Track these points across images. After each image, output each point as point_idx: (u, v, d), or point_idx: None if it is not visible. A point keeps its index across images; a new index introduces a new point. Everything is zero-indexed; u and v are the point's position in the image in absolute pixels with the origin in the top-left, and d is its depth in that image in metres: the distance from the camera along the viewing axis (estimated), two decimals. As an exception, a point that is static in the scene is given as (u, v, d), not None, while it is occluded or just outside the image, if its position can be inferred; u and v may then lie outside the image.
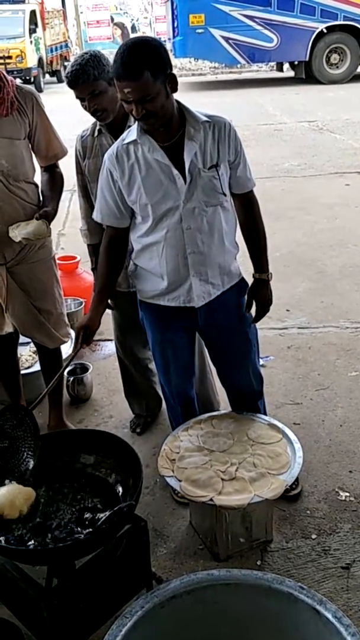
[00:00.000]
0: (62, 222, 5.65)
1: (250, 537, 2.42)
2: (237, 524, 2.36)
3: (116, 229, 2.27)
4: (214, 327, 2.40)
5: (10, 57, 15.65)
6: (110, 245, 2.30)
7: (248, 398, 2.61)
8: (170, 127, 2.06)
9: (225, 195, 2.21)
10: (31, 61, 16.07)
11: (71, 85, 2.40)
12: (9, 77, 2.51)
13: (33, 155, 2.63)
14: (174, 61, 17.80)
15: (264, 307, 2.45)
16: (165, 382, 2.56)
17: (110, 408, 3.34)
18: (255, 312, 2.46)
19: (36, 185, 2.67)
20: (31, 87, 2.60)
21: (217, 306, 2.33)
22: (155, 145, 2.08)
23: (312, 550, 2.42)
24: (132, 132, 2.12)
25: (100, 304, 2.31)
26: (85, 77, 2.35)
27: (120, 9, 19.83)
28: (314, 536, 2.48)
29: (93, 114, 2.46)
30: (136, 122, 2.09)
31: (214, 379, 2.98)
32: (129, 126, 2.33)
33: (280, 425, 2.48)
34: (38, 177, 2.73)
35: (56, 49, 18.73)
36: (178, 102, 2.09)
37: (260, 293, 2.43)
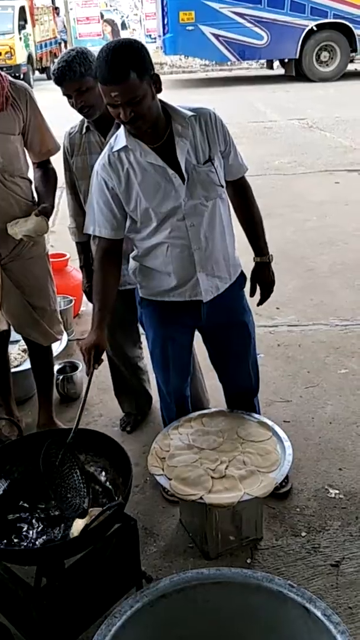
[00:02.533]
0: (51, 220, 5.60)
1: (240, 535, 2.42)
2: (227, 522, 2.36)
3: (111, 241, 2.20)
4: (216, 323, 2.39)
5: (-1, 54, 15.56)
6: (105, 259, 2.23)
7: (246, 395, 2.62)
8: (158, 128, 2.04)
9: (222, 186, 2.21)
10: (20, 58, 15.96)
11: (58, 82, 2.39)
12: (2, 73, 2.49)
13: (26, 151, 2.62)
14: (164, 58, 17.79)
15: (268, 288, 2.48)
16: (163, 380, 2.55)
17: (100, 406, 3.33)
18: (260, 295, 2.49)
19: (30, 181, 2.66)
20: (25, 83, 2.59)
21: (221, 301, 2.33)
22: (146, 148, 2.06)
23: (302, 548, 2.42)
24: (120, 139, 2.09)
25: (103, 321, 2.20)
26: (72, 73, 2.34)
27: (110, 6, 19.78)
28: (303, 534, 2.48)
29: (80, 110, 2.44)
30: (122, 127, 2.06)
31: (203, 377, 2.98)
32: (117, 124, 2.31)
33: (270, 423, 2.48)
34: (31, 173, 2.72)
35: (46, 46, 18.62)
36: (161, 101, 2.07)
37: (263, 276, 2.46)
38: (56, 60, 2.45)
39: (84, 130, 2.55)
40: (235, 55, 14.83)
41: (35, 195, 2.67)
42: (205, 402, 2.98)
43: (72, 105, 2.44)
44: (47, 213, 2.52)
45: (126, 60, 1.88)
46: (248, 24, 14.40)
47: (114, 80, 1.88)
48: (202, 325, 2.42)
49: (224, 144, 2.18)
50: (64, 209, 2.91)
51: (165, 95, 2.11)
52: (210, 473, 2.24)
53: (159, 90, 2.00)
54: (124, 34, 19.89)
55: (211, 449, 2.35)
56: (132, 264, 2.35)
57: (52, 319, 2.84)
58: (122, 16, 20.00)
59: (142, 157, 2.07)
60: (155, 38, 18.49)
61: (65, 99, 2.48)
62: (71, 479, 1.95)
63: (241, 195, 2.36)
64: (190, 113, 2.09)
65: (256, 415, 2.54)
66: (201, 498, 2.16)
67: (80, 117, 2.55)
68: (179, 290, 2.26)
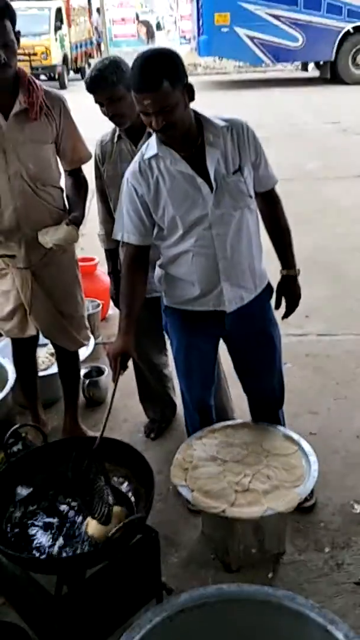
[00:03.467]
0: (97, 216, 5.66)
1: (262, 549, 2.39)
2: (249, 536, 2.34)
3: (138, 247, 2.21)
4: (240, 333, 2.37)
5: (35, 54, 15.71)
6: (132, 265, 2.24)
7: (270, 406, 2.59)
8: (189, 137, 2.04)
9: (251, 197, 2.20)
10: (56, 58, 16.13)
11: (90, 89, 2.40)
12: (38, 82, 2.50)
13: (58, 159, 2.63)
14: (199, 59, 17.77)
15: (294, 302, 2.46)
16: (186, 388, 2.55)
17: (124, 412, 3.33)
18: (285, 308, 2.46)
19: (62, 190, 2.67)
20: (58, 92, 2.59)
21: (246, 311, 2.31)
22: (177, 156, 2.06)
23: (325, 564, 2.39)
24: (151, 146, 2.10)
25: (130, 328, 2.21)
26: (104, 82, 2.34)
27: (146, 7, 19.86)
28: (327, 549, 2.45)
29: (111, 119, 2.45)
30: (154, 135, 2.07)
31: (229, 387, 2.96)
32: (148, 132, 2.31)
33: (295, 436, 2.45)
34: (62, 181, 2.73)
35: (81, 46, 18.78)
36: (194, 110, 2.07)
37: (289, 289, 2.43)
38: (90, 68, 2.46)
39: (116, 139, 2.55)
40: (270, 57, 14.77)
41: (66, 203, 2.68)
42: (230, 412, 2.96)
43: (104, 113, 2.45)
44: (77, 222, 2.53)
45: (160, 69, 1.88)
46: (283, 26, 14.32)
47: (147, 89, 1.89)
48: (227, 335, 2.41)
49: (254, 155, 2.16)
50: (94, 212, 2.92)
51: (199, 96, 2.11)
52: (234, 486, 2.23)
53: (192, 99, 1.99)
54: (159, 35, 19.97)
55: (235, 462, 2.34)
56: (157, 271, 2.34)
57: (79, 325, 2.85)
58: (158, 17, 20.05)
59: (172, 165, 2.07)
60: (189, 39, 18.51)
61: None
62: (96, 486, 1.94)
63: (270, 206, 2.34)
64: (222, 123, 2.08)
65: (282, 428, 2.52)
66: (224, 511, 2.15)
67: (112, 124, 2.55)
68: (202, 299, 2.25)
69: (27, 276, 2.62)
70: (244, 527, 2.27)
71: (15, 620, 2.06)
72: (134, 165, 2.14)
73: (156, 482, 2.72)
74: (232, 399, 3.01)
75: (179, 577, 2.37)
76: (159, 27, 20.04)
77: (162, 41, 19.89)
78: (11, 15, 2.30)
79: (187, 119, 2.00)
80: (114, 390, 2.12)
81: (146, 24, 19.81)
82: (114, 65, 2.37)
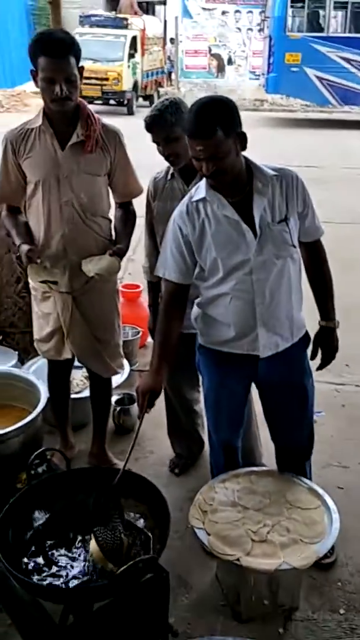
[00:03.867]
0: (133, 248, 5.73)
1: (275, 602, 2.34)
2: (262, 587, 2.29)
3: (178, 285, 2.25)
4: (273, 380, 2.36)
5: (107, 79, 16.15)
6: (170, 302, 2.27)
7: (296, 457, 2.55)
8: (238, 183, 2.07)
9: (295, 247, 2.20)
10: (126, 84, 16.54)
11: (148, 128, 2.45)
12: (97, 116, 2.59)
13: (110, 191, 2.70)
14: (266, 96, 17.96)
15: (331, 354, 2.43)
16: (213, 428, 2.54)
17: (152, 443, 3.32)
18: (320, 359, 2.44)
19: (110, 220, 2.73)
20: (116, 126, 2.66)
21: (280, 359, 2.30)
22: (224, 201, 2.09)
23: (339, 626, 2.32)
24: (200, 190, 2.14)
25: (162, 366, 2.22)
26: (163, 122, 2.40)
27: (220, 41, 20.17)
28: (342, 611, 2.38)
29: (166, 158, 2.50)
30: (204, 179, 2.10)
31: (259, 430, 2.93)
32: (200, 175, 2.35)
33: (320, 491, 2.40)
34: (112, 213, 2.79)
35: (152, 75, 19.20)
36: (245, 157, 2.10)
37: (326, 341, 2.41)
38: (150, 108, 2.52)
39: (169, 177, 2.60)
40: (338, 99, 14.84)
41: (113, 234, 2.74)
42: (258, 456, 2.92)
43: (160, 152, 2.50)
44: (121, 254, 2.58)
45: (215, 117, 1.92)
46: (354, 69, 14.38)
47: (201, 135, 1.93)
48: (259, 380, 2.39)
49: (302, 206, 2.18)
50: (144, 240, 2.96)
51: (263, 133, 2.16)
52: (251, 535, 2.19)
53: (244, 148, 2.03)
54: (229, 69, 20.26)
55: (256, 510, 2.30)
56: (195, 310, 2.36)
57: (114, 353, 2.89)
58: (230, 52, 20.37)
59: (218, 209, 2.10)
60: (259, 75, 18.73)
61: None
62: (111, 524, 1.94)
63: (314, 257, 2.34)
64: (272, 172, 2.11)
65: (307, 481, 2.47)
66: (238, 560, 2.11)
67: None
68: (237, 342, 2.25)
69: (68, 301, 2.68)
70: (258, 578, 2.23)
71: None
72: (181, 207, 2.18)
73: (175, 519, 2.70)
74: (261, 444, 2.97)
75: (187, 620, 2.34)
76: (230, 61, 20.33)
77: (231, 75, 20.19)
78: (76, 51, 2.39)
79: (238, 166, 2.03)
80: (139, 425, 2.14)
81: (218, 57, 20.16)
82: (173, 106, 2.42)
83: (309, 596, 2.43)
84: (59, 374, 3.03)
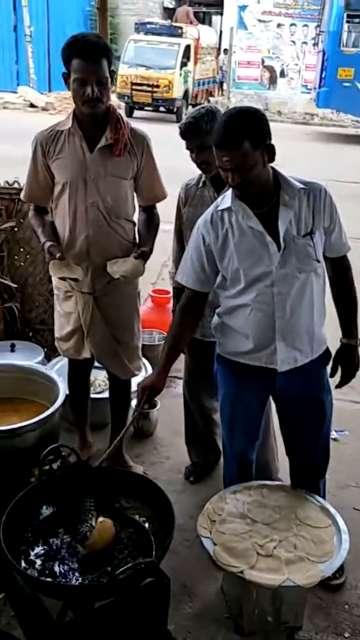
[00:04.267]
0: (167, 254, 5.76)
1: (278, 618, 2.31)
2: (266, 602, 2.26)
3: (196, 292, 2.27)
4: (290, 394, 2.34)
5: (158, 87, 16.29)
6: (186, 308, 2.30)
7: (310, 473, 2.52)
8: (265, 195, 2.06)
9: (319, 262, 2.18)
10: (177, 92, 16.63)
11: (182, 135, 2.47)
12: (125, 119, 2.63)
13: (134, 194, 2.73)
14: (316, 110, 17.84)
15: (351, 373, 2.40)
16: (227, 439, 2.52)
17: (169, 449, 3.32)
18: (340, 377, 2.41)
19: (134, 224, 2.76)
20: (144, 131, 2.70)
21: (299, 374, 2.27)
22: (249, 212, 2.09)
23: (342, 650, 2.27)
24: (226, 199, 2.14)
25: (167, 365, 2.28)
26: (197, 130, 2.41)
27: (273, 53, 20.12)
28: (346, 634, 2.34)
29: (199, 166, 2.51)
30: (230, 189, 2.10)
31: (277, 445, 2.90)
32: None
33: (332, 510, 2.36)
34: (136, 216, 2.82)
35: (203, 84, 19.27)
36: (274, 169, 2.09)
37: (347, 359, 2.38)
38: (186, 115, 2.54)
39: (200, 184, 2.62)
40: (389, 117, 14.64)
41: (136, 237, 2.77)
42: (274, 471, 2.90)
43: (193, 160, 2.51)
44: (145, 257, 2.60)
45: (243, 129, 1.92)
46: None
47: (227, 147, 1.93)
48: (276, 392, 2.37)
49: (329, 221, 2.15)
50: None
51: (312, 147, 2.14)
52: (258, 549, 2.17)
53: (272, 160, 2.02)
54: (281, 82, 20.20)
55: (264, 524, 2.28)
56: (215, 319, 2.36)
57: (133, 355, 2.91)
58: (283, 64, 20.30)
59: (243, 219, 2.10)
60: (310, 89, 18.64)
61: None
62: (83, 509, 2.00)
63: (339, 273, 2.32)
64: (300, 185, 2.09)
65: (320, 499, 2.43)
66: (242, 572, 2.10)
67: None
68: (255, 354, 2.24)
69: (89, 301, 2.71)
70: (261, 593, 2.20)
71: (20, 637, 2.08)
72: (206, 215, 2.19)
73: (185, 527, 2.73)
74: (278, 459, 2.94)
75: (188, 629, 2.33)
76: (282, 74, 20.27)
77: (283, 88, 20.12)
78: (108, 55, 2.44)
79: (264, 178, 2.02)
80: (132, 419, 2.28)
81: (270, 69, 20.13)
82: (209, 114, 2.43)
83: (313, 616, 2.40)
84: (78, 373, 3.06)
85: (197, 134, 2.43)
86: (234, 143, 1.92)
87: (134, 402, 3.29)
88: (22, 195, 2.83)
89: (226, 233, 2.14)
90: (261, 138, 1.95)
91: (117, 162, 2.58)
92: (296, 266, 2.11)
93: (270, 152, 2.00)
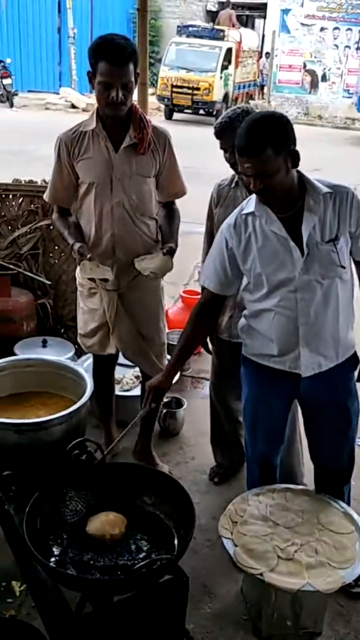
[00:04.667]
0: (200, 255, 5.78)
1: (297, 623, 2.30)
2: (286, 606, 2.25)
3: (214, 295, 2.28)
4: (315, 399, 2.32)
5: (198, 89, 16.30)
6: (202, 309, 2.31)
7: (335, 479, 2.50)
8: (289, 200, 2.04)
9: (344, 267, 2.15)
10: (217, 95, 16.62)
11: (217, 135, 2.48)
12: (147, 117, 2.65)
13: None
14: (357, 115, 17.65)
15: None
16: (249, 443, 2.52)
17: (195, 449, 3.33)
18: None
19: (156, 221, 2.78)
20: (165, 129, 2.72)
21: (324, 378, 2.26)
22: (273, 216, 2.08)
23: (361, 659, 2.25)
24: (250, 203, 2.14)
25: (176, 366, 2.33)
26: (232, 130, 2.41)
27: (315, 57, 19.97)
28: (366, 643, 2.31)
29: (232, 166, 2.51)
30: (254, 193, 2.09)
31: (303, 449, 2.88)
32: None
33: (356, 516, 2.34)
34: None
35: (244, 87, 19.22)
36: (300, 172, 2.07)
37: None
38: (221, 115, 2.55)
39: (233, 185, 2.62)
40: None
41: (158, 234, 2.79)
42: (299, 475, 2.88)
43: (227, 160, 2.51)
44: (172, 253, 2.62)
45: (265, 135, 1.90)
46: None
47: (249, 154, 1.92)
48: (301, 397, 2.36)
49: (355, 225, 2.13)
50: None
51: (352, 151, 2.09)
52: (278, 552, 2.16)
53: (296, 165, 1.99)
54: (322, 86, 20.03)
55: (286, 527, 2.27)
56: (241, 320, 2.36)
57: (160, 351, 2.93)
58: (325, 68, 20.12)
59: (266, 224, 2.09)
60: (352, 94, 18.45)
61: None
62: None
63: None
64: (325, 189, 2.06)
65: (343, 505, 2.41)
66: (261, 575, 2.09)
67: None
68: (279, 358, 2.23)
69: (114, 297, 2.75)
70: (281, 596, 2.19)
71: (40, 627, 2.11)
72: (230, 218, 2.19)
73: (208, 527, 2.74)
74: (303, 463, 2.92)
75: (206, 629, 2.33)
76: (324, 78, 20.10)
77: (324, 92, 19.94)
78: (135, 58, 2.46)
79: (287, 183, 2.00)
80: (139, 416, 2.32)
81: (312, 73, 19.97)
82: (245, 114, 2.43)
83: (334, 623, 2.38)
84: (102, 369, 3.10)
85: (232, 134, 2.41)
86: (255, 150, 1.90)
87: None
88: (45, 197, 2.85)
89: (249, 237, 2.13)
90: (284, 144, 1.93)
91: (141, 161, 2.61)
92: (319, 272, 2.09)
93: (295, 158, 1.97)
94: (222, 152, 2.61)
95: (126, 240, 2.67)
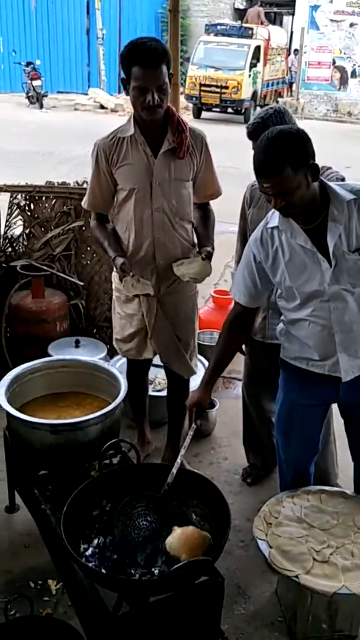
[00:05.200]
0: (230, 254, 5.77)
1: (333, 626, 2.28)
2: (321, 609, 2.24)
3: (245, 308, 2.29)
4: (355, 401, 2.30)
5: (226, 87, 16.26)
6: (234, 323, 2.31)
7: None
8: (313, 211, 2.01)
9: None
10: (245, 93, 16.56)
11: (250, 136, 2.46)
12: (183, 119, 2.63)
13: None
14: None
15: None
16: (282, 447, 2.50)
17: (227, 449, 3.33)
18: None
19: (192, 224, 2.77)
20: (202, 131, 2.70)
21: None
22: (298, 229, 2.05)
23: None
24: (274, 217, 2.12)
25: (212, 380, 2.32)
26: (265, 130, 2.38)
27: (344, 53, 19.75)
28: None
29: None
30: None
31: (337, 450, 2.86)
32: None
33: (392, 519, 2.31)
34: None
35: (272, 85, 19.12)
36: (323, 182, 2.03)
37: None
38: (253, 115, 2.53)
39: (267, 185, 2.59)
40: None
41: (194, 237, 2.78)
42: (333, 477, 2.86)
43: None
44: (211, 257, 2.62)
45: (282, 154, 1.86)
46: None
47: (268, 174, 1.89)
48: (340, 400, 2.34)
49: None
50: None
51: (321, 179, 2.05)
52: (314, 554, 2.15)
53: (316, 179, 1.96)
54: (352, 82, 19.81)
55: (322, 529, 2.25)
56: (280, 325, 2.35)
57: (193, 353, 2.95)
58: (354, 64, 19.89)
59: (292, 238, 2.07)
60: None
61: None
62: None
63: None
64: (349, 197, 2.01)
65: (380, 507, 2.39)
66: (297, 577, 2.08)
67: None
68: (319, 362, 2.22)
69: (153, 303, 2.75)
70: (316, 599, 2.18)
71: (77, 627, 2.13)
72: (257, 232, 2.18)
73: (241, 528, 2.74)
74: (337, 464, 2.90)
75: (241, 631, 2.33)
76: (354, 74, 19.88)
77: (354, 88, 19.72)
78: (167, 59, 2.43)
79: (309, 197, 1.96)
80: (191, 437, 2.23)
81: (341, 69, 19.76)
82: (277, 115, 2.42)
83: (369, 627, 2.35)
84: (138, 372, 3.10)
85: None
86: (274, 170, 1.87)
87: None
88: (84, 204, 2.82)
89: (276, 251, 2.12)
90: (303, 160, 1.89)
91: (179, 165, 2.60)
92: (349, 282, 2.06)
93: (315, 172, 1.93)
94: (251, 151, 2.58)
95: (166, 245, 2.66)
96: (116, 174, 2.63)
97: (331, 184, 2.05)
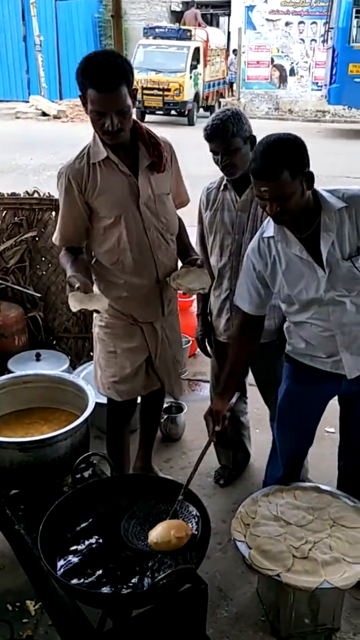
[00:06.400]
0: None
1: (315, 621, 2.30)
2: (303, 604, 2.25)
3: (250, 316, 2.31)
4: (356, 390, 2.32)
5: (169, 90, 16.32)
6: (243, 332, 2.34)
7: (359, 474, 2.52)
8: (305, 220, 2.03)
9: None
10: (188, 95, 16.65)
11: (208, 138, 2.43)
12: (153, 132, 2.46)
13: None
14: (327, 107, 17.76)
15: None
16: (280, 439, 2.54)
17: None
18: None
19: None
20: (167, 138, 2.55)
21: None
22: (292, 239, 2.08)
23: (381, 651, 2.26)
24: (269, 226, 2.14)
25: (226, 391, 2.30)
26: (224, 132, 2.38)
27: (282, 52, 20.06)
28: (385, 635, 2.32)
29: (223, 168, 2.48)
30: None
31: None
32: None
33: (365, 509, 2.35)
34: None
35: (213, 85, 19.27)
36: (315, 191, 2.04)
37: None
38: (210, 117, 2.51)
39: (222, 188, 2.59)
40: None
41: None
42: (304, 471, 2.87)
43: (216, 162, 2.48)
44: (203, 264, 2.49)
45: (281, 159, 1.88)
46: None
47: (265, 178, 1.90)
48: (341, 392, 2.39)
49: None
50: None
51: (324, 144, 2.08)
52: (293, 551, 2.16)
53: (310, 187, 1.98)
54: (291, 80, 20.14)
55: (299, 526, 2.27)
56: (286, 323, 2.37)
57: (182, 371, 2.90)
58: (292, 63, 20.23)
59: (287, 248, 2.10)
60: (321, 86, 18.55)
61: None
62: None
63: None
64: (340, 204, 2.02)
65: (353, 499, 2.42)
66: (278, 575, 2.09)
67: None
68: (324, 359, 2.25)
69: (158, 327, 2.63)
70: (298, 595, 2.19)
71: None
72: (254, 242, 2.21)
73: (218, 531, 2.73)
74: (308, 459, 2.93)
75: (225, 634, 2.33)
76: (292, 72, 20.20)
77: (293, 86, 20.06)
78: (128, 77, 2.20)
79: (302, 205, 1.98)
80: (206, 448, 2.23)
81: (280, 68, 20.07)
82: (235, 116, 2.40)
83: (351, 617, 2.38)
84: (126, 414, 2.85)
85: (224, 137, 2.38)
86: (272, 173, 1.88)
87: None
88: (55, 240, 2.55)
89: (274, 261, 2.15)
90: (300, 167, 1.91)
91: (159, 179, 2.44)
92: (343, 288, 2.09)
93: (310, 180, 1.95)
94: (198, 153, 2.54)
95: (165, 264, 2.52)
96: (95, 203, 2.39)
97: (323, 191, 2.06)
